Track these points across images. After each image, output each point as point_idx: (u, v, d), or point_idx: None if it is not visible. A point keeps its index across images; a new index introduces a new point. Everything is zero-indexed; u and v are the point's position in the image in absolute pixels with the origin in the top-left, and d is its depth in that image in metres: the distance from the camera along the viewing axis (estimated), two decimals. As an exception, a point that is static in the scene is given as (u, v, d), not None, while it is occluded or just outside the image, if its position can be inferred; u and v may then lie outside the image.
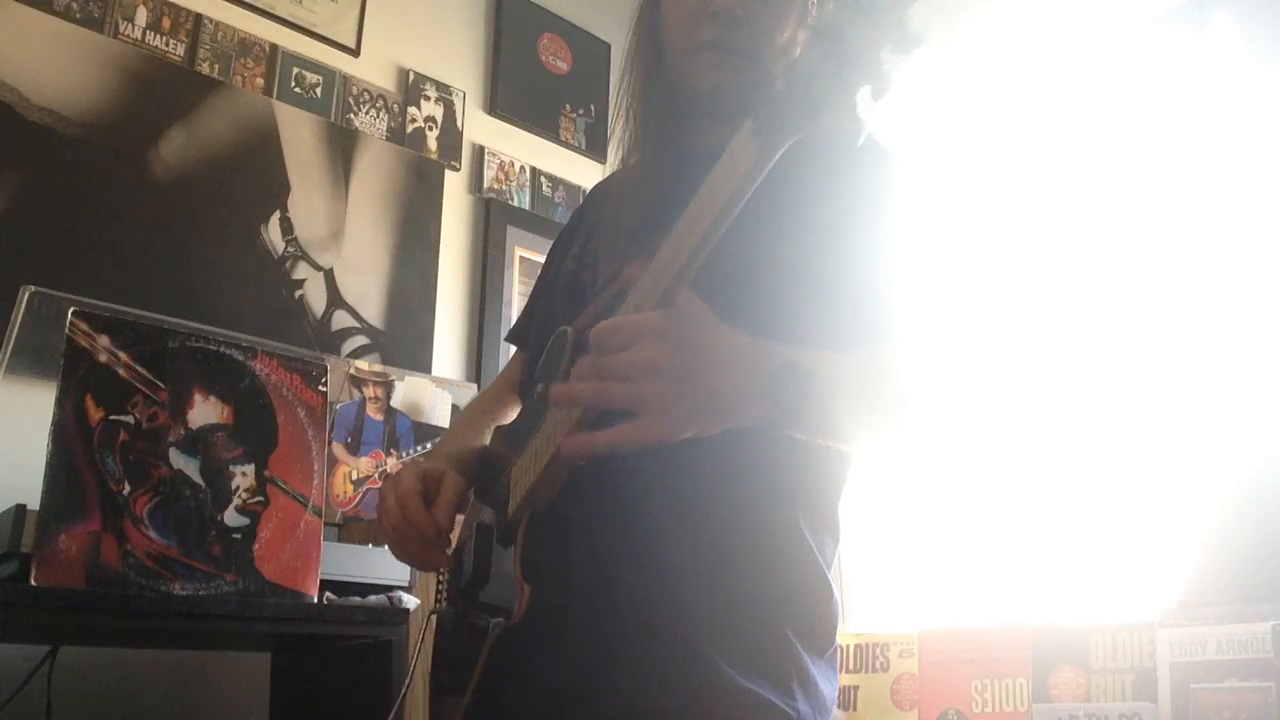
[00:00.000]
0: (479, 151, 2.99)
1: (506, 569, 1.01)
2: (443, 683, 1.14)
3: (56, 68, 2.22)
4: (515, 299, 2.94)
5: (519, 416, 1.21)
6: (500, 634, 0.98)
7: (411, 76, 2.87)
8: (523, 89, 3.12)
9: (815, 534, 1.06)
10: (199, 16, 2.47)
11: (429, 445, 2.64)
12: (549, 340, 1.10)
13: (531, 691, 0.99)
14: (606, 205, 1.22)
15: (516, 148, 3.08)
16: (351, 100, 2.73)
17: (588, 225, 1.25)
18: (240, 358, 1.63)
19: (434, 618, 1.19)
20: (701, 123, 1.15)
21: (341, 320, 2.61)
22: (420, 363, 2.73)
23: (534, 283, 1.39)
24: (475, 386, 2.77)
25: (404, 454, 2.60)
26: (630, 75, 1.22)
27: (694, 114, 1.16)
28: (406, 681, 1.44)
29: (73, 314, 1.50)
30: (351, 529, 2.32)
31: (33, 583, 1.37)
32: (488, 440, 1.23)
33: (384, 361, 2.65)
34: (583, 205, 1.36)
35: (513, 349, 1.41)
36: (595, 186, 1.38)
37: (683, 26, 1.11)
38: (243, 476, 1.58)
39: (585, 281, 1.16)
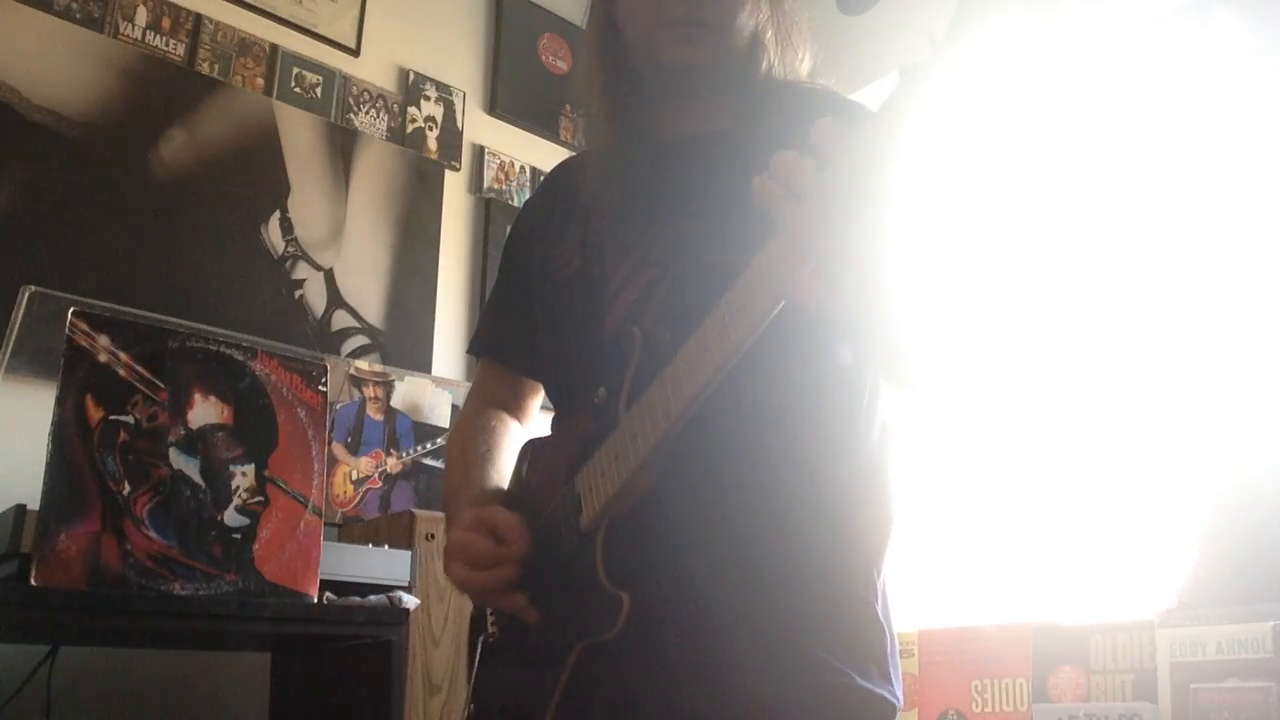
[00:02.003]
0: (479, 151, 2.99)
1: (579, 585, 0.95)
2: (504, 710, 1.07)
3: (56, 68, 2.22)
4: (515, 299, 2.94)
5: (563, 428, 1.13)
6: (584, 650, 0.93)
7: (411, 76, 2.87)
8: (523, 89, 3.12)
9: (884, 515, 1.05)
10: (199, 16, 2.47)
11: (429, 445, 2.64)
12: (583, 343, 1.06)
13: (630, 709, 0.96)
14: (585, 194, 1.16)
15: (516, 148, 3.08)
16: (351, 100, 2.73)
17: (577, 217, 1.16)
18: (240, 358, 1.63)
19: (481, 643, 1.11)
20: (671, 103, 1.14)
21: (341, 320, 2.61)
22: (420, 363, 2.73)
23: (499, 286, 1.27)
24: (475, 386, 2.77)
25: (404, 454, 2.60)
26: (591, 60, 1.18)
27: (661, 93, 1.14)
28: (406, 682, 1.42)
29: (73, 314, 1.50)
30: (351, 529, 2.32)
31: (33, 583, 1.37)
32: (503, 467, 1.17)
33: (384, 361, 2.65)
34: (546, 197, 1.26)
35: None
36: (556, 172, 1.29)
37: (645, 5, 1.10)
38: (243, 476, 1.58)
39: (596, 278, 1.10)
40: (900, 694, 0.99)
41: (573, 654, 0.94)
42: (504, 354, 1.26)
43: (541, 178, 3.05)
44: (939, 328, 0.92)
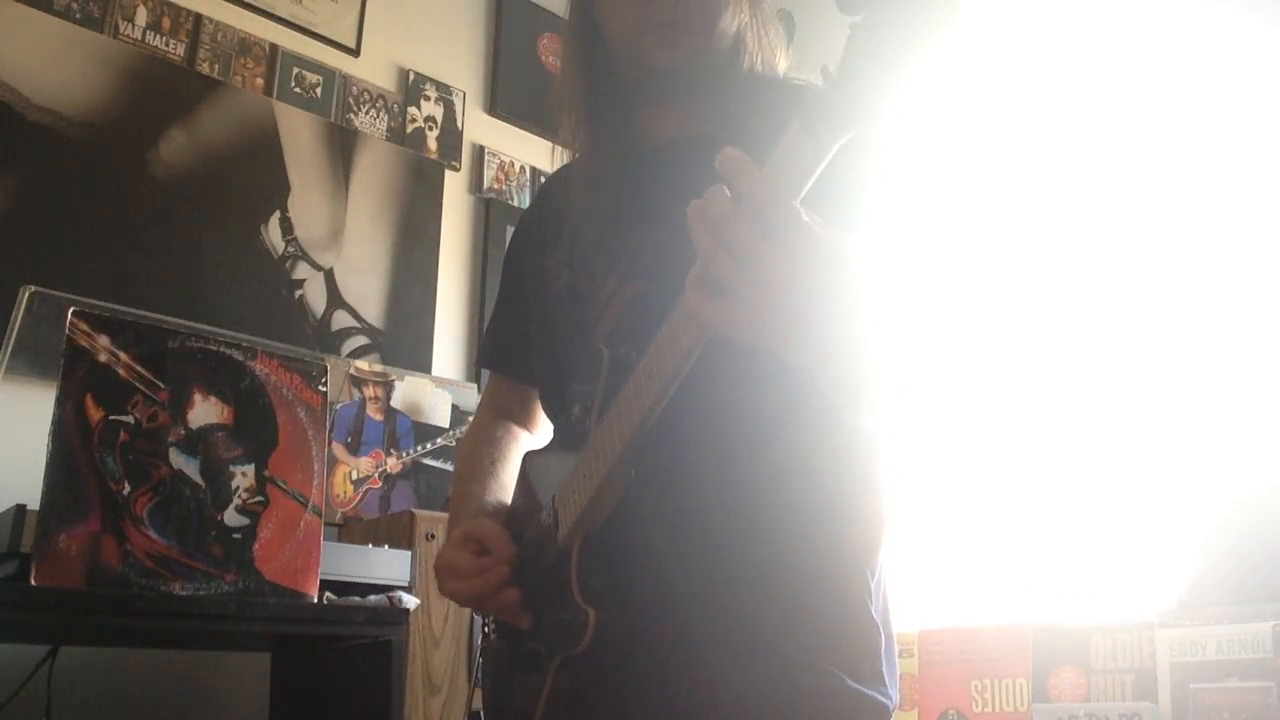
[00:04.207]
0: (479, 151, 2.99)
1: (558, 597, 0.98)
2: (500, 714, 1.11)
3: (56, 68, 2.22)
4: (515, 299, 2.94)
5: (552, 442, 1.16)
6: (562, 662, 0.96)
7: (411, 76, 2.87)
8: (523, 89, 3.12)
9: (875, 511, 1.03)
10: (199, 16, 2.47)
11: (429, 445, 2.64)
12: (571, 358, 1.07)
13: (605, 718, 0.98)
14: (575, 206, 1.16)
15: (516, 148, 3.08)
16: (351, 100, 2.73)
17: (566, 229, 1.17)
18: (240, 358, 1.63)
19: (481, 652, 1.16)
20: (654, 107, 1.14)
21: (341, 320, 2.61)
22: (420, 363, 2.73)
23: (501, 299, 1.30)
24: (475, 387, 2.78)
25: (404, 454, 2.60)
26: (572, 65, 1.18)
27: (644, 98, 1.14)
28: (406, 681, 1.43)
29: (73, 314, 1.50)
30: (351, 529, 2.32)
31: (33, 583, 1.37)
32: (505, 478, 1.20)
33: (384, 361, 2.65)
34: (540, 207, 1.28)
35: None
36: (548, 183, 1.31)
37: (628, 9, 1.09)
38: (243, 476, 1.58)
39: (584, 291, 1.11)
40: (895, 694, 0.98)
41: (553, 665, 0.97)
42: (507, 366, 1.30)
43: (542, 178, 3.09)
44: (895, 356, 0.83)
